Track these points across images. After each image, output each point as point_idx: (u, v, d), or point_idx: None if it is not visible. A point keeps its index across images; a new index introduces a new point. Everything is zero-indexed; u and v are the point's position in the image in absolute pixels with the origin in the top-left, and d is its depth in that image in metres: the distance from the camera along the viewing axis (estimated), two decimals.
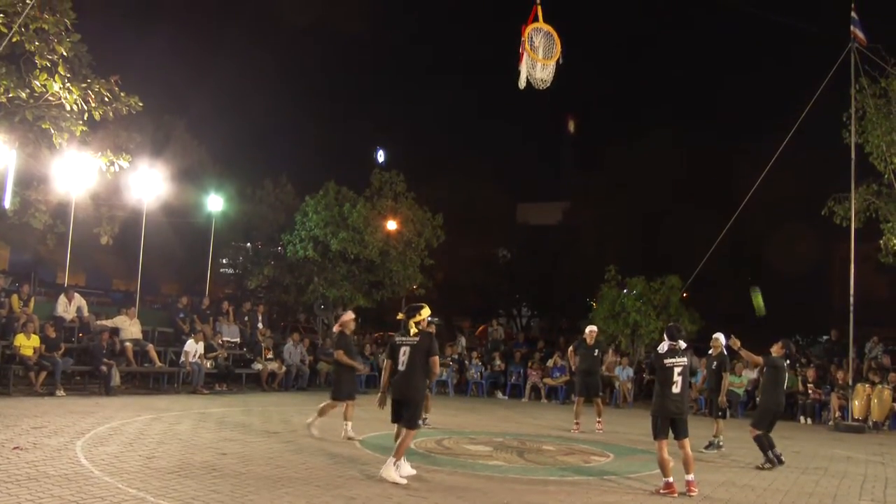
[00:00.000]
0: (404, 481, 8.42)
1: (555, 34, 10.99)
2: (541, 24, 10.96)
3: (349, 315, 12.66)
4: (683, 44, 59.34)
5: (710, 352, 13.17)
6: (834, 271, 28.57)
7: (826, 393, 18.86)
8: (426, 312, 9.14)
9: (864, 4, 18.88)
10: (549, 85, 11.02)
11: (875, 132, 18.43)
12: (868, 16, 18.85)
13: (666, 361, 8.82)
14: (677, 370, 8.77)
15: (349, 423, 11.74)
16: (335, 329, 12.68)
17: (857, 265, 18.38)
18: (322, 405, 11.88)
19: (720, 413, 12.71)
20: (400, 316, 9.31)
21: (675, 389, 8.75)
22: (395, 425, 9.00)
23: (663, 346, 8.99)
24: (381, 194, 24.19)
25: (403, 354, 8.88)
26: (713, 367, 12.96)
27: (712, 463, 11.13)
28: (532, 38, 10.91)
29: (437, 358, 8.98)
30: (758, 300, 16.93)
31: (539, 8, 11.06)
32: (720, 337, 12.89)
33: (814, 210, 20.62)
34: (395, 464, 8.49)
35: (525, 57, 10.84)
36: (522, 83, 10.97)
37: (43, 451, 8.97)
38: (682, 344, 8.97)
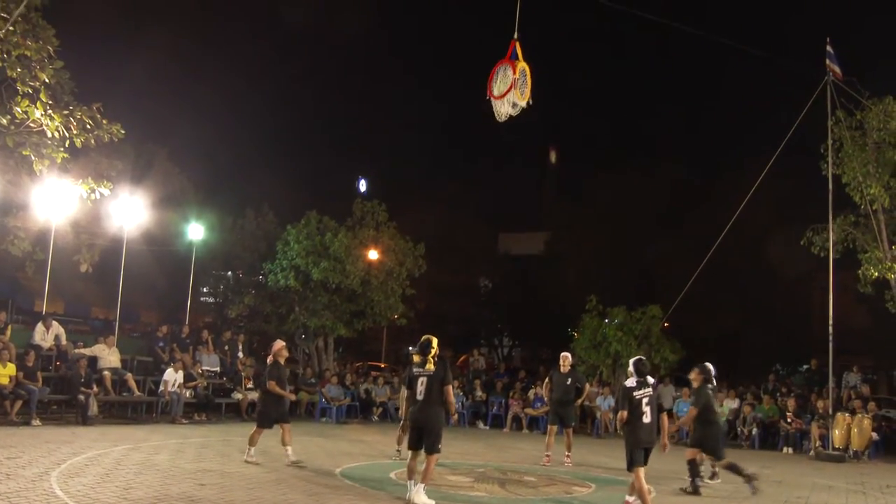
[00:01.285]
0: (433, 503, 8.92)
1: (528, 72, 10.97)
2: (520, 63, 10.97)
3: (280, 344, 12.60)
4: (664, 76, 60.05)
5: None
6: (814, 301, 28.82)
7: (807, 422, 18.91)
8: (436, 341, 9.56)
9: (840, 38, 19.24)
10: (509, 117, 11.01)
11: (851, 164, 18.70)
12: (843, 50, 19.21)
13: (635, 394, 9.07)
14: (645, 401, 9.08)
15: (289, 448, 11.71)
16: (269, 360, 12.49)
17: (836, 295, 18.52)
18: (251, 434, 11.85)
19: None
20: (416, 358, 9.57)
21: (646, 420, 9.05)
22: (410, 452, 9.41)
23: (631, 381, 9.23)
24: (362, 224, 24.18)
25: (421, 384, 9.31)
26: None
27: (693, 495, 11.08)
28: (509, 72, 10.89)
29: (450, 387, 9.39)
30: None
31: (517, 44, 11.10)
32: (709, 368, 12.98)
33: (793, 240, 20.86)
34: (423, 489, 8.93)
35: (510, 92, 10.83)
36: (502, 116, 10.98)
37: (17, 482, 8.81)
38: (650, 379, 9.30)
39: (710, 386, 11.47)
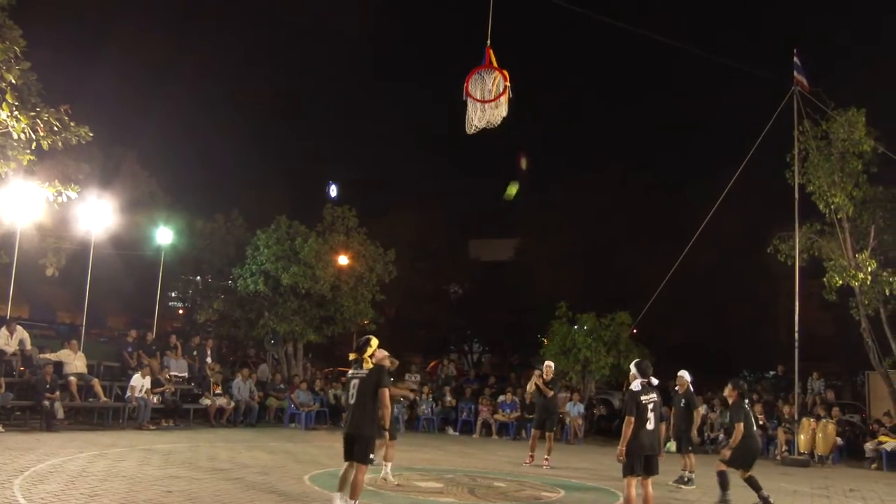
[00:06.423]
0: None
1: (503, 73, 10.79)
2: (494, 67, 10.82)
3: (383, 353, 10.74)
4: (632, 85, 60.56)
5: (676, 388, 13.35)
6: (780, 308, 29.16)
7: (773, 427, 19.13)
8: (375, 342, 8.66)
9: (806, 49, 19.56)
10: (498, 122, 10.78)
11: (817, 173, 18.99)
12: (809, 60, 19.54)
13: (642, 399, 8.62)
14: (650, 406, 8.65)
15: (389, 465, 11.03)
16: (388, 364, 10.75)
17: (801, 302, 18.82)
18: (384, 451, 10.95)
19: (690, 448, 12.92)
20: (352, 356, 8.61)
21: (650, 426, 8.61)
22: (346, 463, 8.35)
23: (637, 384, 8.75)
24: (332, 229, 24.10)
25: (353, 388, 8.37)
26: (681, 404, 13.18)
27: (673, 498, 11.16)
28: (476, 81, 10.70)
29: (386, 390, 8.29)
30: (511, 190, 16.26)
31: (490, 51, 11.01)
32: (685, 374, 13.12)
33: (760, 248, 21.16)
34: (346, 502, 8.05)
35: (471, 103, 10.66)
36: (472, 127, 10.74)
37: None
38: (654, 380, 8.87)
39: (745, 401, 10.86)
